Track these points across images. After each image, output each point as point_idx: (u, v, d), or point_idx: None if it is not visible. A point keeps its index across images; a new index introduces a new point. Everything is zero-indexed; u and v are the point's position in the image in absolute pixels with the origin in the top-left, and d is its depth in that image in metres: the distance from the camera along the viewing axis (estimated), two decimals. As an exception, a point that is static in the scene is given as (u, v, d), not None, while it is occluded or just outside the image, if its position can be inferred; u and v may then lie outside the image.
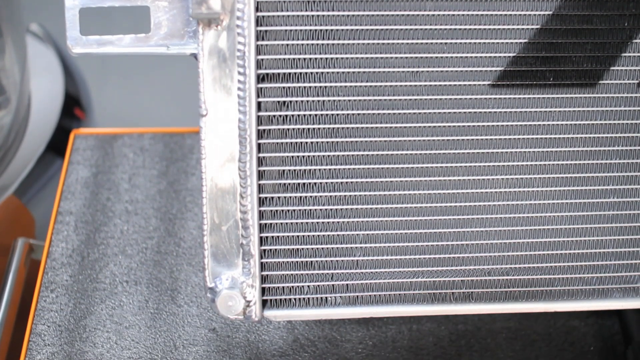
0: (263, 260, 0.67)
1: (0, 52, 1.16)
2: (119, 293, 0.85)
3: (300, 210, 0.67)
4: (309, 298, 0.69)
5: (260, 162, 0.65)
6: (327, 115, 0.64)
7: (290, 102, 0.64)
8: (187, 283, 0.86)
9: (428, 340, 0.82)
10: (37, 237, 1.08)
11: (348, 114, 0.65)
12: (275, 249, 0.67)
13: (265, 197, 0.66)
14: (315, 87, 0.64)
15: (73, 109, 1.40)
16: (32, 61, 1.31)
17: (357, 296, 0.70)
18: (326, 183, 0.66)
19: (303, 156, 0.65)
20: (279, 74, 0.63)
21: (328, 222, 0.67)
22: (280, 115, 0.64)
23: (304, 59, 0.63)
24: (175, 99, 1.70)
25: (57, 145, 1.30)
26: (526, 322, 0.83)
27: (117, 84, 1.79)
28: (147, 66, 1.82)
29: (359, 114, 0.65)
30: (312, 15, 0.62)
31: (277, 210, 0.66)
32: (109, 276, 0.86)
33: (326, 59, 0.63)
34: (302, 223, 0.67)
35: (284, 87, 0.63)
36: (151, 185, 0.95)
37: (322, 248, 0.68)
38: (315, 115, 0.64)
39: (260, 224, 0.66)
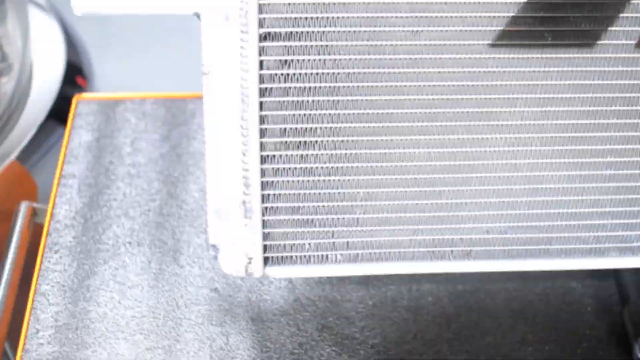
0: (265, 218, 0.68)
1: (2, 18, 1.17)
2: (122, 254, 0.86)
3: (301, 168, 0.67)
4: (309, 255, 0.70)
5: (262, 120, 0.65)
6: (328, 73, 0.65)
7: (292, 60, 0.64)
8: (189, 244, 0.87)
9: (427, 300, 0.82)
10: (40, 203, 1.09)
11: (349, 73, 0.65)
12: (277, 207, 0.68)
13: (267, 155, 0.67)
14: (317, 45, 0.64)
15: (75, 77, 1.40)
16: (33, 29, 1.32)
17: (358, 254, 0.71)
18: (327, 141, 0.67)
19: (304, 114, 0.66)
20: (280, 32, 0.63)
21: (329, 180, 0.68)
22: (281, 74, 0.64)
23: (306, 17, 0.63)
24: (176, 66, 1.70)
25: (58, 113, 1.31)
26: (524, 282, 0.84)
27: (119, 53, 1.79)
28: (149, 34, 1.81)
29: (359, 73, 0.65)
30: (314, -26, 0.63)
31: (278, 168, 0.67)
32: (112, 237, 0.87)
33: (327, 17, 0.63)
34: (303, 181, 0.68)
35: (285, 46, 0.64)
36: (153, 149, 0.95)
37: (323, 206, 0.69)
38: (317, 73, 0.65)
39: (262, 182, 0.67)
